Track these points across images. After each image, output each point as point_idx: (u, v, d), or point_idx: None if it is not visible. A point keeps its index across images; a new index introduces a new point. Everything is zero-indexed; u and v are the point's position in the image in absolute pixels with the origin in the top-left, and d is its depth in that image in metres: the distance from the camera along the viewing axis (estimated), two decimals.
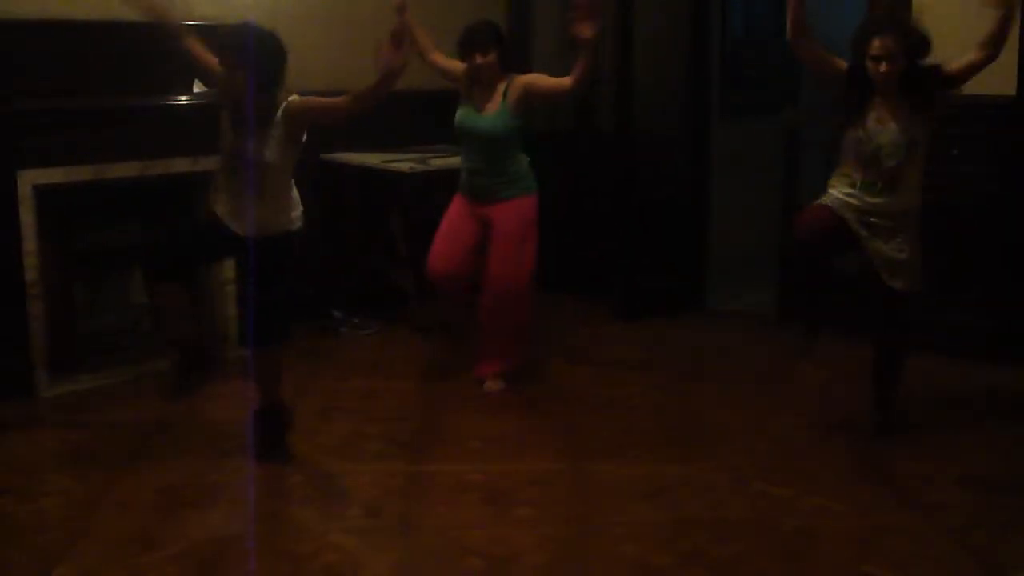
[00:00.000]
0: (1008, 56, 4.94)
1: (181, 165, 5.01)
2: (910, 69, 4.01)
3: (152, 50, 4.92)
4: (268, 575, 3.28)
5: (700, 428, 4.49)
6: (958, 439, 4.30)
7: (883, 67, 3.97)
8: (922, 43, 4.02)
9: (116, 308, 5.25)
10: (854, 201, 4.11)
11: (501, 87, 4.66)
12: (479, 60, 4.63)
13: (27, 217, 4.63)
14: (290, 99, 3.86)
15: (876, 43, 3.97)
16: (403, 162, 5.53)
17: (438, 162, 5.58)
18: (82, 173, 4.76)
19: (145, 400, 4.73)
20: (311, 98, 3.92)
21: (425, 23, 4.86)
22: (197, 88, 5.06)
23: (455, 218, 4.86)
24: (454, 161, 5.26)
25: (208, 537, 3.52)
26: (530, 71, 4.95)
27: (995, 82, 4.97)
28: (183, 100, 5.00)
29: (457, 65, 4.76)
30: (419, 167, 5.50)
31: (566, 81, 4.56)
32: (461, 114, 4.76)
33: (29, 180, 4.61)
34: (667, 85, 6.17)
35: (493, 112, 4.67)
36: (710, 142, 6.31)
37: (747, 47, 6.73)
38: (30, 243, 4.66)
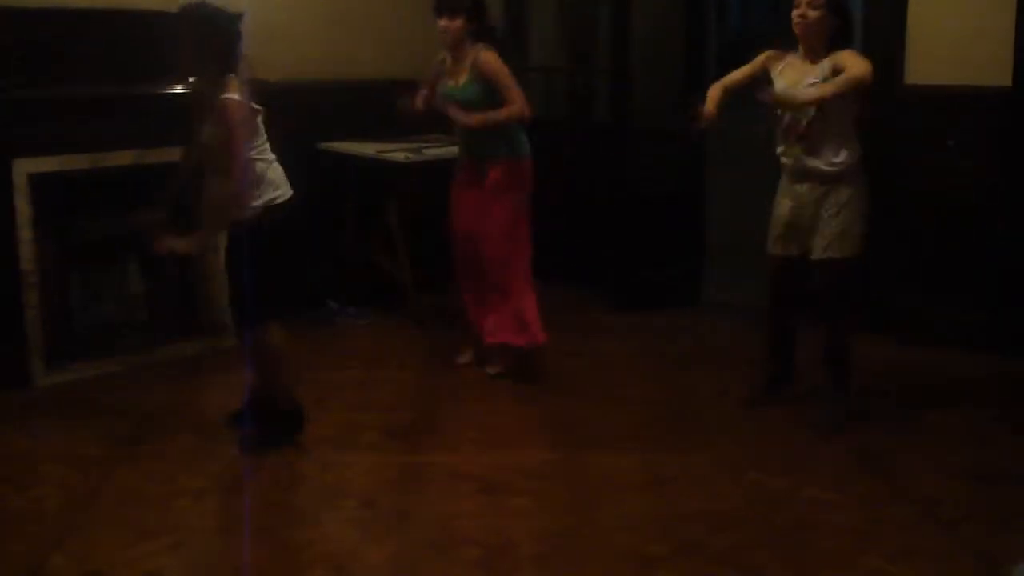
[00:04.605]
0: (1004, 48, 4.95)
1: (177, 154, 4.98)
2: (834, 25, 4.07)
3: (147, 38, 4.92)
4: (263, 565, 3.28)
5: (696, 420, 4.49)
6: (954, 431, 4.31)
7: (802, 12, 4.04)
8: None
9: (113, 297, 5.24)
10: (788, 162, 4.22)
11: (470, 56, 4.66)
12: (443, 23, 4.63)
13: (22, 206, 4.62)
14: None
15: None
16: (398, 152, 5.52)
17: (433, 151, 5.57)
18: (78, 162, 4.75)
19: (141, 389, 4.74)
20: None
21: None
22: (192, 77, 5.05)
23: (460, 183, 4.89)
24: (449, 150, 5.26)
25: (204, 527, 3.52)
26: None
27: (991, 73, 4.99)
28: (179, 88, 4.98)
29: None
30: (414, 156, 5.50)
31: (510, 105, 4.63)
32: (440, 86, 4.79)
33: (24, 169, 4.61)
34: (663, 76, 6.15)
35: (463, 81, 4.69)
36: (706, 133, 6.29)
37: (744, 38, 6.73)
38: (25, 232, 4.65)
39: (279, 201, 3.96)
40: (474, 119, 4.62)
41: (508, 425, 4.44)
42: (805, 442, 4.20)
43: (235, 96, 3.77)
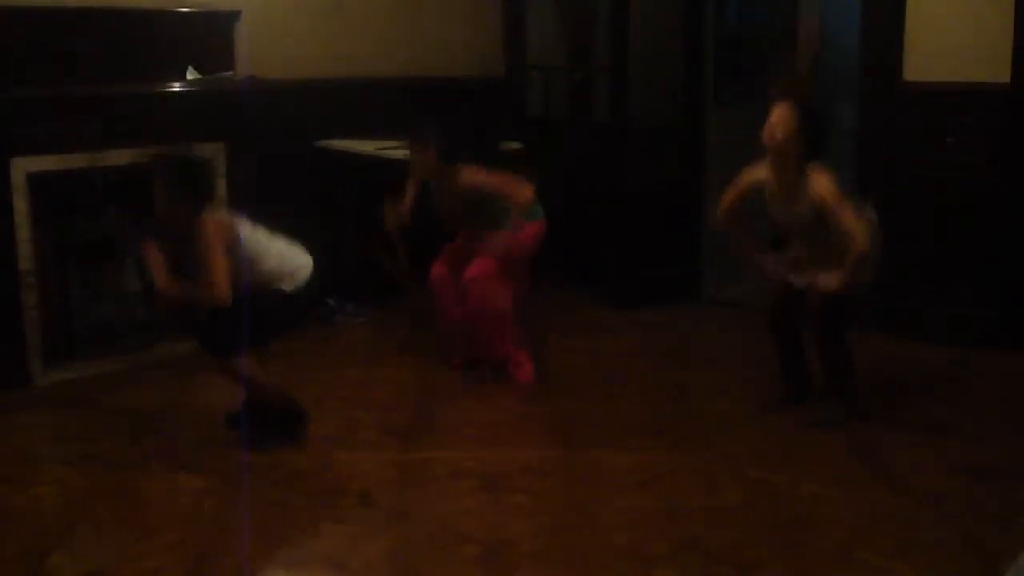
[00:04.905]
0: (1002, 45, 4.95)
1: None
2: (807, 144, 4.03)
3: (147, 38, 4.93)
4: (263, 562, 3.28)
5: (696, 417, 4.49)
6: (954, 429, 4.30)
7: (771, 133, 4.02)
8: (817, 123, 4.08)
9: (112, 296, 5.24)
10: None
11: (450, 181, 4.69)
12: (415, 155, 4.74)
13: (20, 205, 4.62)
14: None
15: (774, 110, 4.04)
16: (398, 149, 5.51)
17: None
18: (76, 161, 4.75)
19: (141, 389, 4.74)
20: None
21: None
22: (191, 75, 5.05)
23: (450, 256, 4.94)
24: None
25: (203, 524, 3.52)
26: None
27: (990, 70, 4.98)
28: (177, 87, 4.98)
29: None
30: None
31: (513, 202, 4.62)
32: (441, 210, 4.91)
33: (22, 168, 4.60)
34: (662, 73, 6.15)
35: (448, 198, 4.77)
36: (705, 130, 6.30)
37: (742, 35, 6.72)
38: (24, 231, 4.65)
39: (303, 279, 4.07)
40: (501, 247, 4.64)
41: (507, 423, 4.44)
42: (805, 439, 4.20)
43: (213, 219, 3.87)
